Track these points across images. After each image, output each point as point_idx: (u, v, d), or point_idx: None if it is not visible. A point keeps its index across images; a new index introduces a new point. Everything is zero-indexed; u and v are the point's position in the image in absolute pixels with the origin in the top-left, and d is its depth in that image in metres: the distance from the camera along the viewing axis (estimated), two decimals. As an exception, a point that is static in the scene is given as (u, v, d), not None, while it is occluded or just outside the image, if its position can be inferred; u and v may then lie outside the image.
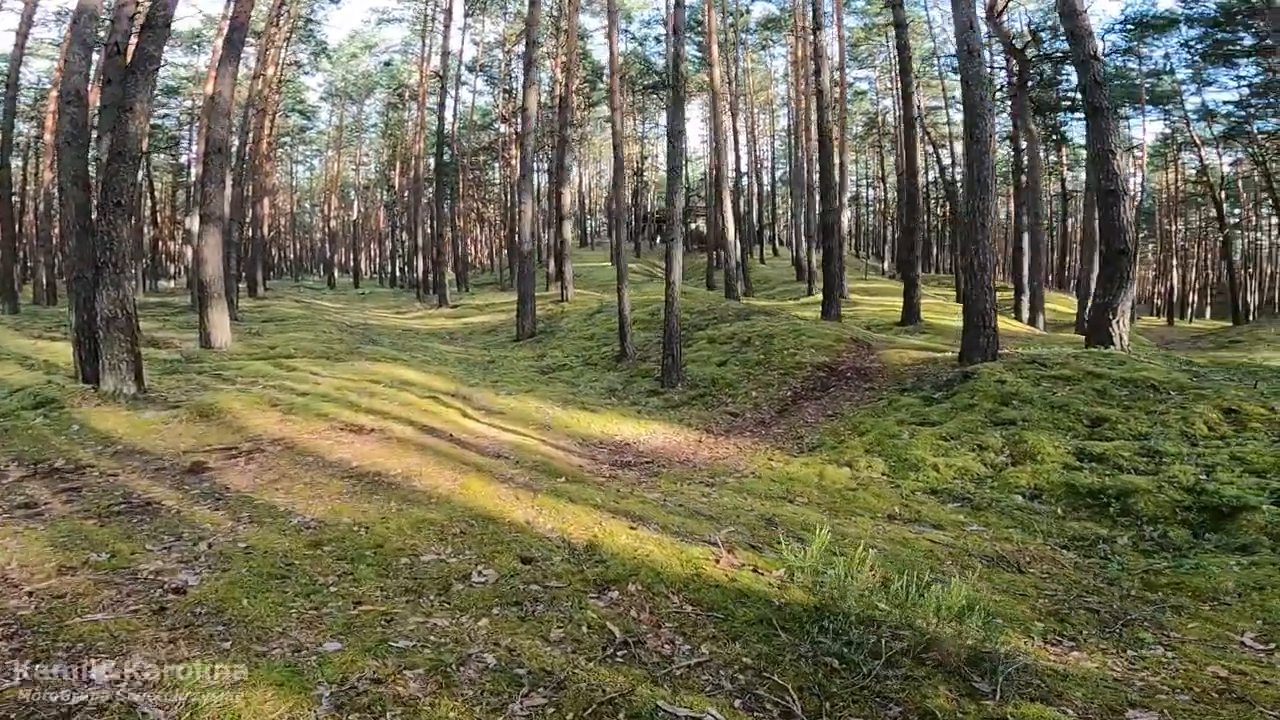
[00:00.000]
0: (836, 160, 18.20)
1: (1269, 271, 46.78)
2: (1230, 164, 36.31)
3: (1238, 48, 25.71)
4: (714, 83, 21.57)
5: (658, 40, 35.50)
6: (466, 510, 4.35)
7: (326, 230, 52.47)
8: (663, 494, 5.44)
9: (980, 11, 14.71)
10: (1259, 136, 29.13)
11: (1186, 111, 30.24)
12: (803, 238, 31.10)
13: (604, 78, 37.76)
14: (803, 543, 3.91)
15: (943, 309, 18.56)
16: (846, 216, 42.66)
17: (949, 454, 6.45)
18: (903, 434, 7.01)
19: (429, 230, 31.09)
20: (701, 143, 53.81)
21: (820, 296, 23.88)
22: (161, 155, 35.90)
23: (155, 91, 8.63)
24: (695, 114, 48.75)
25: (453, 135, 32.37)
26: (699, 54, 34.68)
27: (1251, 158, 31.41)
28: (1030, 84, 19.13)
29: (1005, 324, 19.33)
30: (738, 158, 35.88)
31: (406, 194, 42.62)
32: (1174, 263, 42.63)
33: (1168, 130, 35.64)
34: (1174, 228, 42.05)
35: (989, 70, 21.40)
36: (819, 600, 3.13)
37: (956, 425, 6.92)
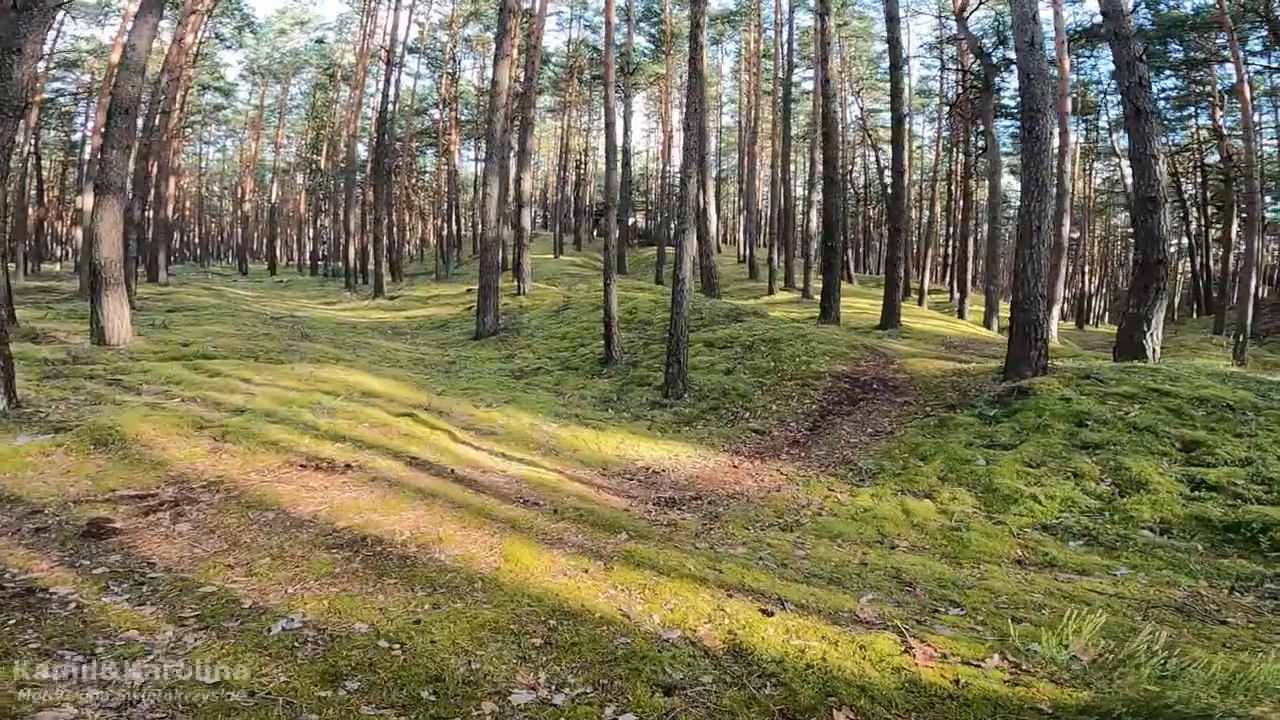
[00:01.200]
0: (818, 157, 17.50)
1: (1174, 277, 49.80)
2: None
3: (1165, 61, 26.94)
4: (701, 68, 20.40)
5: (616, 28, 34.02)
6: (531, 600, 3.02)
7: (239, 214, 48.12)
8: (747, 547, 4.30)
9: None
10: (1170, 148, 30.94)
11: (1111, 121, 31.63)
12: (752, 235, 30.61)
13: (550, 66, 36.16)
14: (960, 607, 3.44)
15: (907, 311, 18.13)
16: (767, 218, 42.81)
17: (1041, 483, 5.61)
18: (977, 459, 6.11)
19: (361, 216, 28.59)
20: (645, 135, 52.86)
21: (784, 295, 23.44)
22: (53, 132, 31.58)
23: (46, 38, 6.67)
24: (639, 107, 47.77)
25: (393, 117, 30.03)
26: (651, 45, 33.62)
27: (1167, 165, 33.36)
28: (979, 91, 19.08)
29: (969, 327, 19.33)
30: (699, 148, 34.85)
31: (332, 179, 39.57)
32: (1088, 269, 45.01)
33: (1086, 141, 37.26)
34: (1085, 235, 44.10)
35: (961, 71, 21.36)
36: (1091, 697, 2.46)
37: (1036, 450, 6.09)
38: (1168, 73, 28.77)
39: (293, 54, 40.10)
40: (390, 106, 24.48)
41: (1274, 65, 23.19)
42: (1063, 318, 42.19)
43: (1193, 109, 30.61)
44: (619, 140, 10.78)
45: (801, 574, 3.81)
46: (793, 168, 30.75)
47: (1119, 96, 27.88)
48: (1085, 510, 5.23)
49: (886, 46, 27.53)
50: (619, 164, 10.07)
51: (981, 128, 21.25)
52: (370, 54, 29.03)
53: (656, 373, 9.59)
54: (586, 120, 46.02)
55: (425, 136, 40.32)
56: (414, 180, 47.92)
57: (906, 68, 32.87)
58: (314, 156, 43.36)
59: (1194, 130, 31.78)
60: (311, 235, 50.09)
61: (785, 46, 24.65)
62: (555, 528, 4.17)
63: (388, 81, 24.56)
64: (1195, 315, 36.08)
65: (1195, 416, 6.37)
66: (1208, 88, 27.30)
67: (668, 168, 35.54)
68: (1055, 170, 8.21)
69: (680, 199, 8.66)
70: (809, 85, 37.59)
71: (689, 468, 6.60)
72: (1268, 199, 29.77)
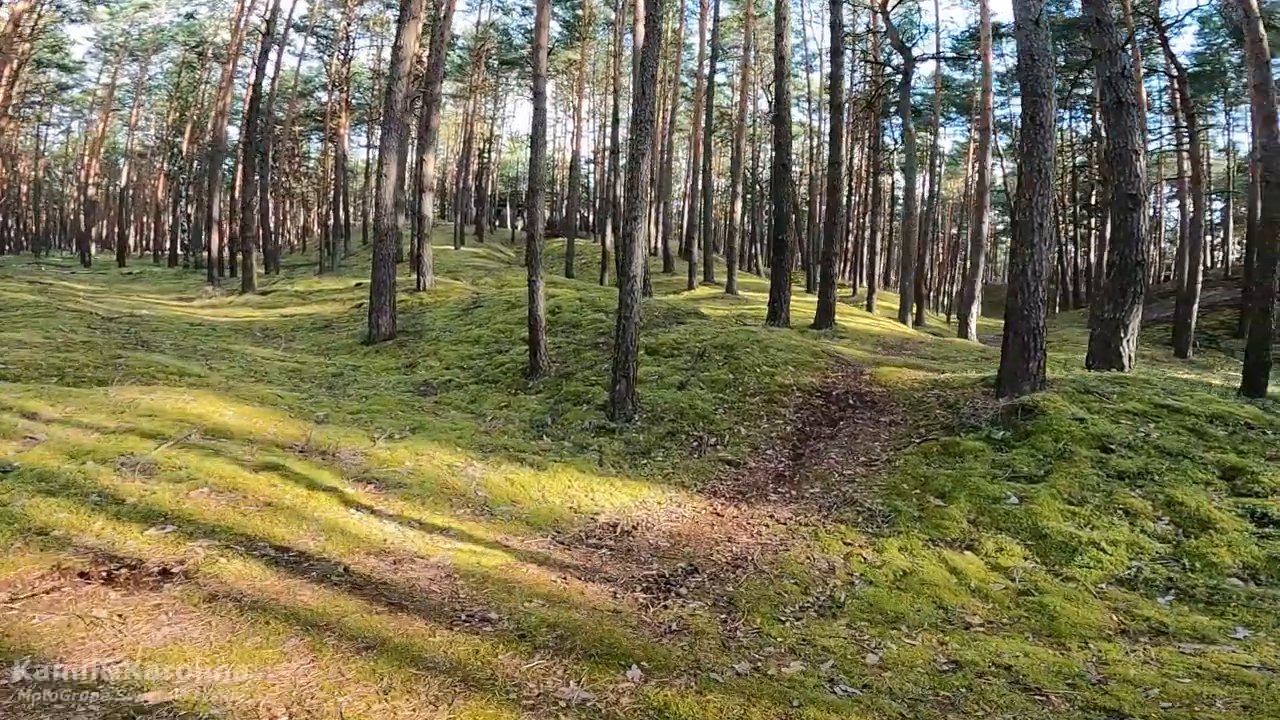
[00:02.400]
0: (745, 147, 16.50)
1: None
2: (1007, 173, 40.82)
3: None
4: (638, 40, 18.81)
5: (524, 11, 31.90)
6: None
7: (83, 200, 41.64)
8: (799, 658, 3.21)
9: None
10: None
11: (1011, 121, 33.00)
12: (668, 228, 29.59)
13: (455, 50, 33.59)
14: None
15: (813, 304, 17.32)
16: (675, 209, 42.24)
17: (1093, 525, 4.70)
18: (1006, 496, 5.09)
19: (229, 201, 24.97)
20: (552, 125, 50.87)
21: (706, 290, 22.47)
22: None
23: None
24: (547, 94, 45.64)
25: (270, 97, 26.55)
26: (565, 30, 31.81)
27: None
28: (899, 86, 18.91)
29: (896, 325, 19.10)
30: (613, 136, 33.60)
31: (197, 162, 34.89)
32: (967, 265, 47.38)
33: (963, 139, 38.95)
34: (961, 232, 46.31)
35: (886, 64, 21.08)
36: None
37: (1069, 483, 5.14)
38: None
39: (155, 30, 35.02)
40: (268, 84, 21.33)
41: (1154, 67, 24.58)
42: (938, 311, 44.25)
43: (1063, 112, 32.52)
44: (547, 115, 9.15)
45: (903, 699, 2.56)
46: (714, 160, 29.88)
47: (1004, 96, 28.96)
48: (1157, 557, 4.36)
49: (800, 40, 27.05)
50: (545, 141, 8.40)
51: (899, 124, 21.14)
52: (248, 31, 25.50)
53: (594, 387, 8.08)
54: (492, 107, 43.89)
55: (311, 120, 36.58)
56: (297, 166, 43.80)
57: (816, 63, 33.00)
58: (176, 139, 38.34)
59: (1068, 130, 33.92)
60: (171, 223, 44.49)
61: (709, 34, 23.63)
62: (530, 671, 2.64)
63: (264, 55, 21.30)
64: (1062, 309, 38.87)
65: (1219, 438, 5.69)
66: (1088, 90, 28.87)
67: (580, 159, 34.04)
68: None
69: (629, 182, 7.18)
70: (720, 79, 37.14)
71: (664, 520, 5.17)
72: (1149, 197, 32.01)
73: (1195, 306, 19.01)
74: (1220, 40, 23.26)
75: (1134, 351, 8.10)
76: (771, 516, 5.22)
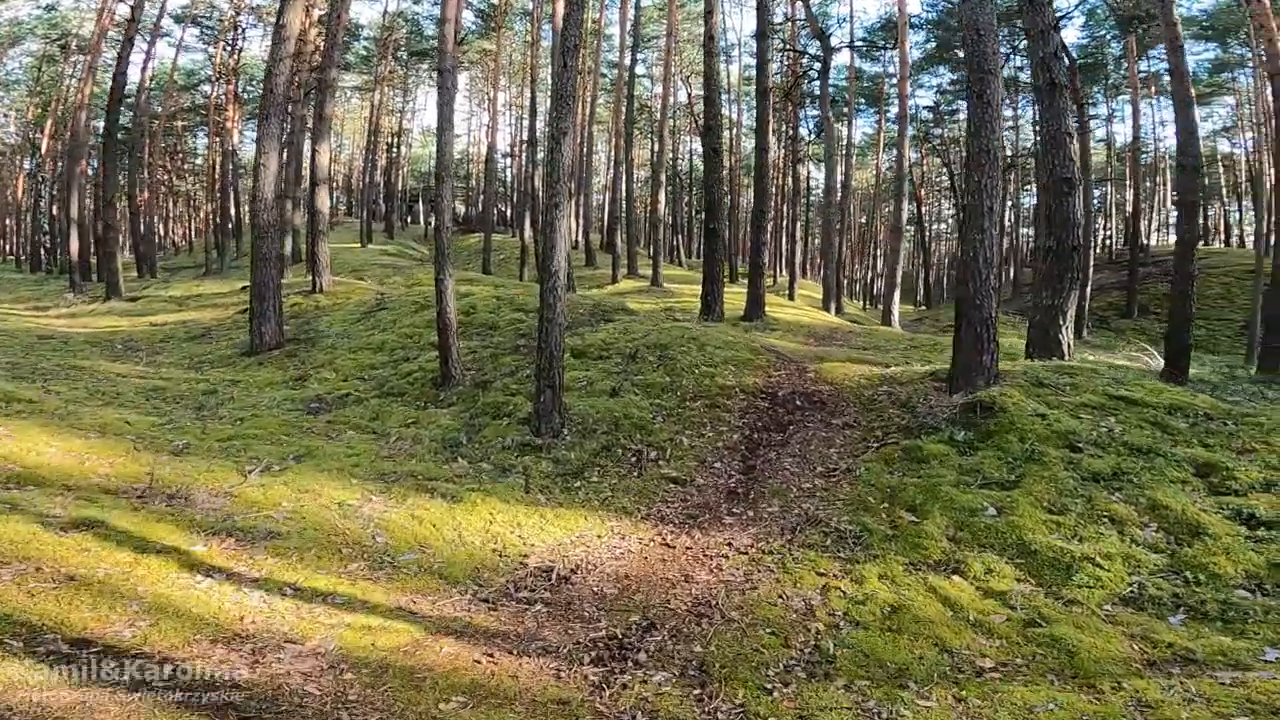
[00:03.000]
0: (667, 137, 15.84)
1: (945, 257, 55.63)
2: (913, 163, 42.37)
3: (951, 56, 29.27)
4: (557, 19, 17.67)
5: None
6: None
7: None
8: None
9: None
10: (944, 138, 34.24)
11: (917, 114, 34.10)
12: (589, 220, 28.73)
13: (361, 41, 31.42)
14: None
15: (737, 296, 16.83)
16: (595, 203, 41.55)
17: (1081, 536, 4.29)
18: (983, 507, 4.59)
19: (95, 201, 22.15)
20: (465, 119, 48.94)
21: (631, 283, 21.71)
22: None
23: None
24: (460, 86, 43.77)
25: (142, 90, 23.78)
26: (481, 21, 30.26)
27: (938, 155, 36.99)
28: (818, 74, 18.85)
29: (822, 314, 18.98)
30: (530, 128, 32.31)
31: (59, 160, 31.00)
32: (878, 252, 49.08)
33: (872, 130, 39.96)
34: (873, 219, 47.72)
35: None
36: None
37: (1045, 488, 4.72)
38: (942, 68, 31.46)
39: (13, 24, 30.88)
40: (137, 74, 18.95)
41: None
42: (852, 298, 45.55)
43: (961, 103, 33.87)
44: (456, 103, 8.12)
45: None
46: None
47: (910, 89, 29.73)
48: (1156, 570, 3.98)
49: (720, 31, 26.77)
50: (453, 124, 7.39)
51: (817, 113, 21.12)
52: (113, 22, 22.65)
53: (516, 397, 7.16)
54: (401, 100, 41.85)
55: (196, 114, 33.50)
56: (180, 162, 40.10)
57: (735, 53, 32.86)
58: (37, 136, 34.13)
59: (963, 122, 35.34)
60: (32, 226, 39.88)
61: (630, 22, 22.87)
62: None
63: (127, 43, 18.75)
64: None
65: (1182, 431, 5.44)
66: (1007, 73, 30.08)
67: (496, 152, 32.65)
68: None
69: (549, 165, 6.31)
70: (641, 70, 36.54)
71: (607, 558, 4.36)
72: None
73: (1089, 290, 19.88)
74: (1104, 33, 24.53)
75: (1072, 339, 7.97)
76: (730, 545, 4.52)
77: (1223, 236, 36.07)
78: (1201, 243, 28.55)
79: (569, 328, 9.09)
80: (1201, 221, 30.57)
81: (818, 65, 17.31)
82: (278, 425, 6.91)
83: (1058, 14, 18.97)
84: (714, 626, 3.50)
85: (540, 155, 30.45)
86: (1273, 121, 17.58)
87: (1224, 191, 35.23)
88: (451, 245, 8.18)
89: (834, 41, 17.55)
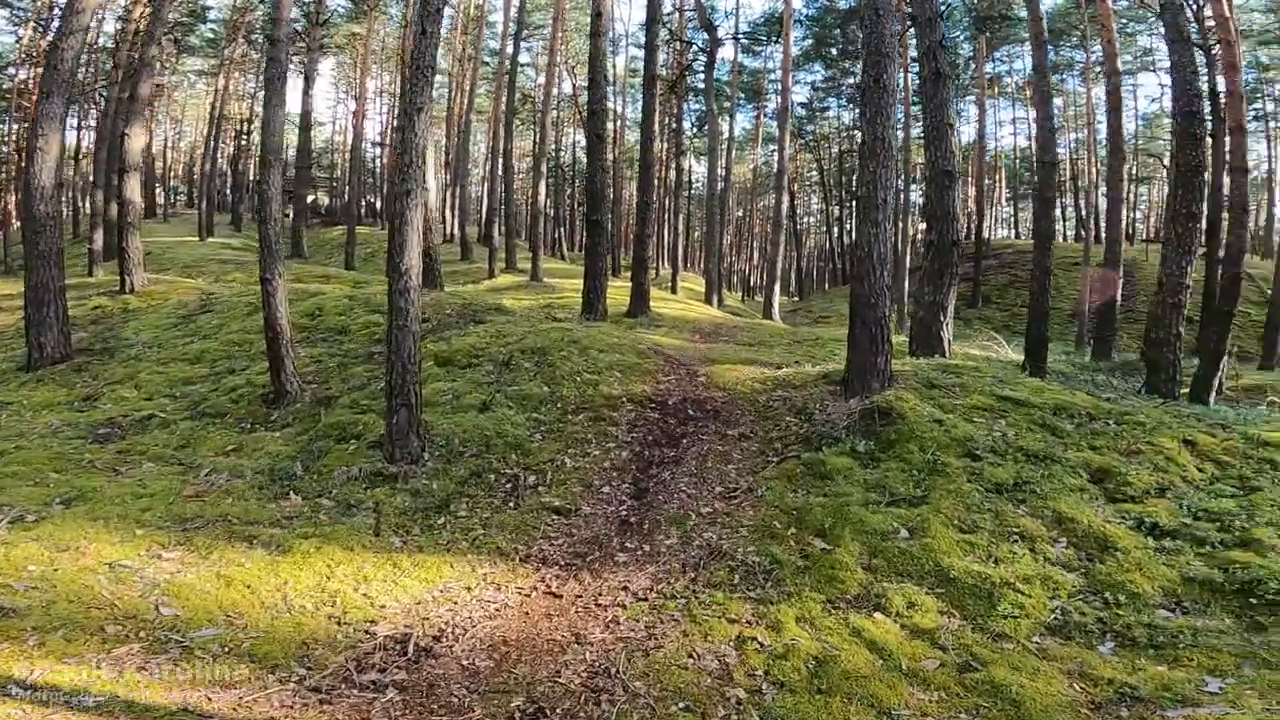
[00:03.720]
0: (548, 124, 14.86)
1: (815, 249, 58.04)
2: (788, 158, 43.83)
3: (827, 53, 30.39)
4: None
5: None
6: None
7: None
8: None
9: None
10: (816, 134, 35.70)
11: (793, 109, 35.12)
12: (465, 213, 27.08)
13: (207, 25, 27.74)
14: None
15: (621, 290, 16.29)
16: (475, 195, 39.83)
17: (995, 558, 4.03)
18: (896, 529, 4.21)
19: None
20: (330, 106, 45.16)
21: (509, 278, 20.47)
22: None
23: None
24: (326, 72, 40.30)
25: None
26: (350, 3, 27.49)
27: (809, 151, 38.64)
28: (705, 66, 18.69)
29: (705, 308, 18.73)
30: (401, 116, 29.96)
31: None
32: (754, 245, 50.64)
33: (750, 125, 40.96)
34: (750, 214, 49.10)
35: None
36: None
37: (952, 504, 4.43)
38: (817, 65, 32.67)
39: None
40: None
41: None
42: (730, 289, 46.76)
43: (832, 100, 35.48)
44: (285, 70, 6.81)
45: None
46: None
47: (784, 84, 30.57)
48: (1075, 592, 3.76)
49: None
50: (283, 104, 6.11)
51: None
52: None
53: (367, 415, 6.08)
54: (253, 85, 38.02)
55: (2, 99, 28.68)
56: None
57: (622, 45, 32.24)
58: None
59: (833, 118, 37.01)
60: None
61: (514, 9, 21.52)
62: None
63: None
64: (831, 285, 42.93)
65: (1070, 433, 5.39)
66: (856, 78, 31.41)
67: (363, 141, 30.10)
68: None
69: (401, 146, 5.29)
70: (525, 59, 35.03)
71: (480, 618, 3.52)
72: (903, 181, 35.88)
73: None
74: (957, 34, 26.15)
75: (950, 334, 8.01)
76: (626, 589, 3.83)
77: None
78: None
79: (434, 331, 8.04)
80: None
81: (704, 56, 17.11)
82: (47, 459, 5.44)
83: (941, 2, 19.96)
84: (616, 706, 2.80)
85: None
86: (1102, 121, 19.32)
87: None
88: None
89: (720, 33, 17.38)
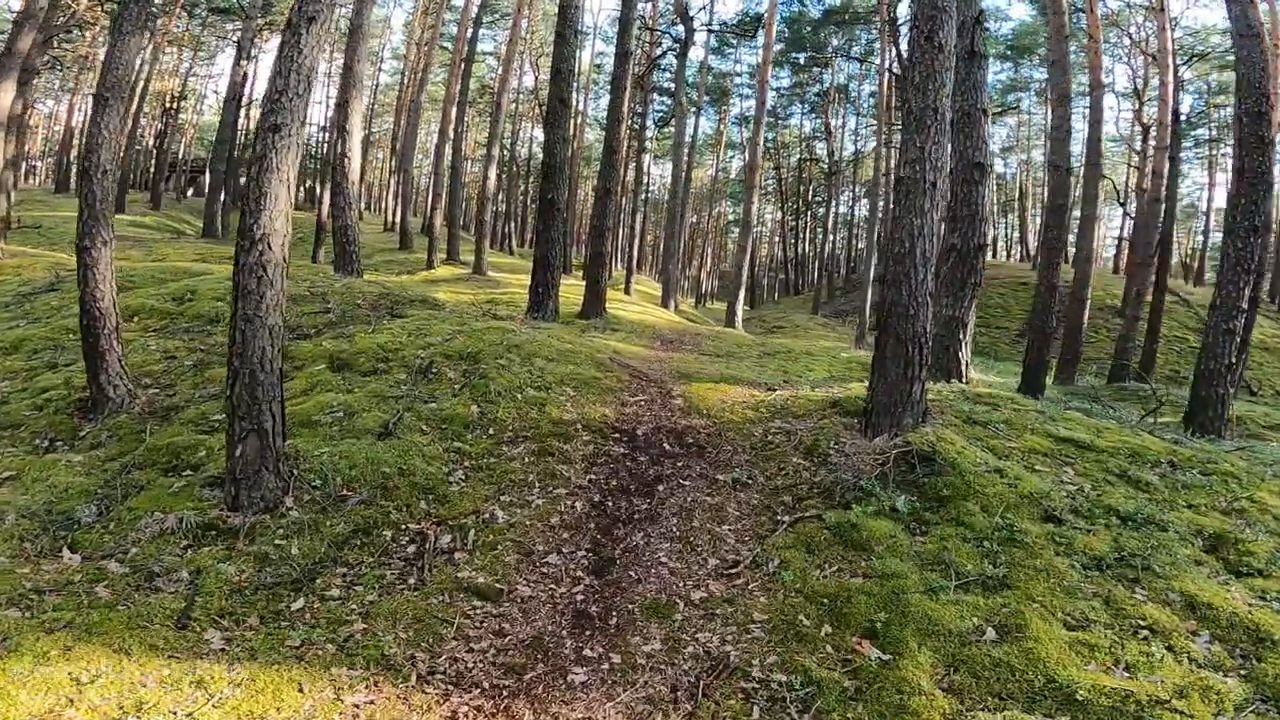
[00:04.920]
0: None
1: (768, 258, 57.24)
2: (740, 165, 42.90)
3: (794, 59, 29.64)
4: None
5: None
6: None
7: None
8: None
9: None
10: (776, 141, 35.03)
11: (765, 115, 34.34)
12: (408, 200, 25.05)
13: None
14: None
15: (573, 289, 14.61)
16: (424, 185, 37.72)
17: (1125, 664, 2.84)
18: (978, 626, 2.85)
19: None
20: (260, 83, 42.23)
21: (450, 269, 18.62)
22: None
23: None
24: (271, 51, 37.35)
25: None
26: None
27: (769, 159, 37.98)
28: (677, 56, 17.42)
29: (664, 312, 17.28)
30: (350, 90, 27.42)
31: None
32: (709, 250, 49.87)
33: (711, 130, 40.11)
34: (703, 219, 48.20)
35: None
36: None
37: (1048, 588, 3.12)
38: (785, 70, 31.98)
39: None
40: None
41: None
42: (681, 294, 45.68)
43: (797, 106, 34.90)
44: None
45: None
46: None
47: (751, 90, 29.75)
48: (1242, 703, 2.48)
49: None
50: (139, 31, 4.26)
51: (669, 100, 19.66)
52: None
53: (215, 436, 4.34)
54: (190, 61, 35.15)
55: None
56: None
57: (588, 40, 30.80)
58: None
59: (795, 126, 36.47)
60: None
61: None
62: None
63: None
64: (784, 294, 42.45)
65: (1158, 487, 4.16)
66: (822, 85, 30.82)
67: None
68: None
69: (276, 65, 3.68)
70: (488, 48, 33.16)
71: None
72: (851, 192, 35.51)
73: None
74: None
75: (970, 356, 6.80)
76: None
77: (993, 249, 40.68)
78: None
79: (335, 325, 6.32)
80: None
81: (677, 47, 15.88)
82: None
83: (900, 20, 19.09)
84: None
85: (347, 121, 26.00)
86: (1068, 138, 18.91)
87: (995, 208, 39.70)
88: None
89: (696, 24, 16.16)
